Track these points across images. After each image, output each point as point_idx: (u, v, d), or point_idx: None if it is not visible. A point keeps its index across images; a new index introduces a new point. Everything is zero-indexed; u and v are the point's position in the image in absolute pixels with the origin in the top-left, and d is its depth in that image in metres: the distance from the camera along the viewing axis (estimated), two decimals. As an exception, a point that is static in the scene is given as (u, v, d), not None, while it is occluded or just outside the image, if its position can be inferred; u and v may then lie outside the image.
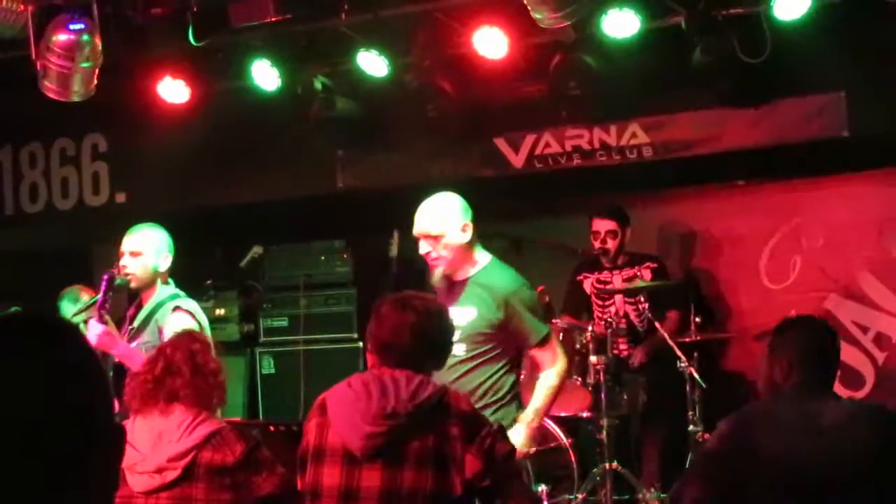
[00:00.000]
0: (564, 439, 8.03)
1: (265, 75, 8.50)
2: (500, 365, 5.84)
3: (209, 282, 9.98)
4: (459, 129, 8.98)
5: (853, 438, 4.26)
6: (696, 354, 8.04)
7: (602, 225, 8.71)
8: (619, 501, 7.97)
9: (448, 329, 4.72)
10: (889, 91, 7.98)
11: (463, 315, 5.71)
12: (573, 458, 8.00)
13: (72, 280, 9.01)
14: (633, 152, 8.75)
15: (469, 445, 4.34)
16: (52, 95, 7.51)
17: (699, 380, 7.88)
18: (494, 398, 5.78)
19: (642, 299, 8.54)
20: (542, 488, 7.60)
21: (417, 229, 5.97)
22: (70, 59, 7.29)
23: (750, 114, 8.40)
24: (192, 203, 9.88)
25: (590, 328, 7.99)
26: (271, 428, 8.00)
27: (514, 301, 5.82)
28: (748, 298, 9.29)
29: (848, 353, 8.73)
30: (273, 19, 7.82)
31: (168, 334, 6.05)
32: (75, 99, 7.57)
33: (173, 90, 8.68)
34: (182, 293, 6.75)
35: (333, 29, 8.32)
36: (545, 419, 8.05)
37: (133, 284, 6.70)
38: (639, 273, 8.72)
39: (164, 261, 6.72)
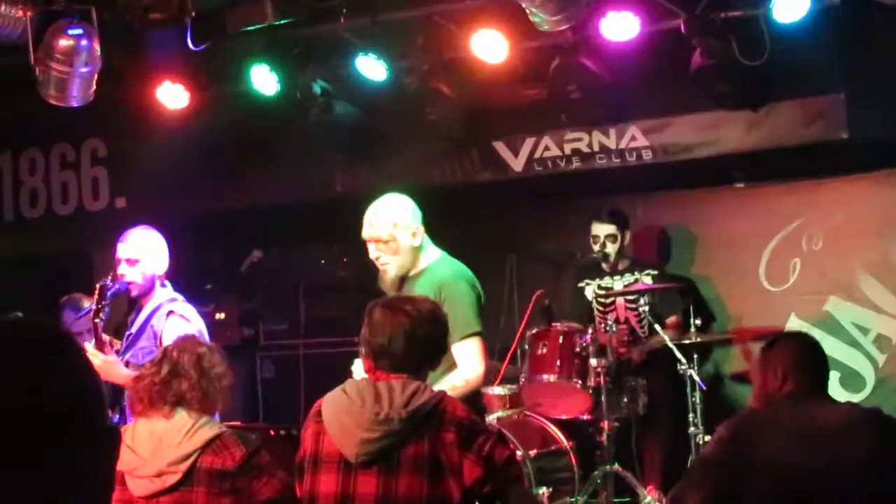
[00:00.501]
0: (565, 442, 8.03)
1: (264, 80, 8.51)
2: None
3: (209, 286, 9.98)
4: (459, 132, 9.01)
5: (850, 442, 4.26)
6: (696, 357, 8.03)
7: (601, 229, 8.70)
8: (619, 504, 7.99)
9: (441, 330, 4.69)
10: (888, 93, 7.98)
11: None
12: (574, 461, 7.99)
13: (72, 285, 9.02)
14: (633, 155, 8.76)
15: (466, 452, 4.32)
16: (51, 101, 7.52)
17: (699, 382, 7.88)
18: None
19: (642, 303, 8.54)
20: (543, 491, 7.60)
21: (366, 234, 6.01)
22: (69, 64, 7.30)
23: (749, 116, 8.40)
24: (192, 207, 9.89)
25: (590, 331, 7.98)
26: (271, 432, 7.99)
27: (447, 290, 5.77)
28: (748, 301, 9.28)
29: (848, 355, 8.75)
30: (272, 24, 7.83)
31: (166, 341, 6.04)
32: (74, 104, 7.57)
33: (172, 95, 8.68)
34: (178, 297, 6.74)
35: (332, 33, 8.33)
36: (545, 422, 8.08)
37: (134, 292, 6.69)
38: (639, 279, 8.72)
39: (161, 264, 6.71)
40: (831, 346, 8.38)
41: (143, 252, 6.65)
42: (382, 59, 8.27)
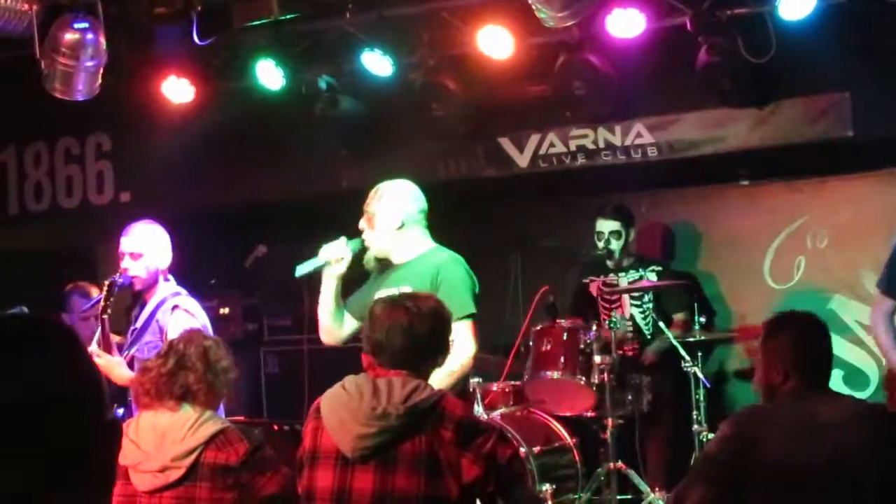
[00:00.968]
0: (569, 439, 8.03)
1: (269, 75, 8.51)
2: None
3: (213, 281, 9.98)
4: (464, 128, 9.01)
5: (854, 438, 4.25)
6: (700, 354, 8.03)
7: (606, 225, 8.69)
8: (623, 501, 7.98)
9: (442, 329, 4.66)
10: (893, 91, 7.97)
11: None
12: (577, 458, 7.99)
13: (76, 278, 9.02)
14: (638, 152, 8.75)
15: (464, 450, 4.30)
16: (56, 94, 7.53)
17: (703, 380, 7.87)
18: None
19: (647, 300, 8.53)
20: (547, 488, 7.60)
21: (365, 206, 6.17)
22: (75, 58, 7.31)
23: (755, 114, 8.40)
24: (196, 202, 9.89)
25: (594, 328, 7.98)
26: (275, 427, 8.00)
27: (444, 272, 5.88)
28: (753, 299, 9.27)
29: (853, 354, 8.75)
30: (277, 19, 7.83)
31: (172, 335, 6.04)
32: (80, 98, 7.59)
33: (177, 89, 8.69)
34: (182, 291, 6.74)
35: (338, 28, 8.34)
36: (549, 418, 8.08)
37: (137, 287, 6.69)
38: (644, 276, 8.71)
39: (165, 258, 6.72)
40: (835, 344, 8.23)
41: (146, 246, 6.66)
42: (388, 54, 8.27)
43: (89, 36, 7.27)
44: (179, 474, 4.50)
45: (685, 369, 7.92)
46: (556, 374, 7.94)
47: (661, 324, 8.15)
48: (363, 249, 6.15)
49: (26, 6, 7.29)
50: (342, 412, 4.40)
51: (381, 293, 5.69)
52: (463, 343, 5.72)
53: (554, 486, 7.70)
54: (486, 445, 4.34)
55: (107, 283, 6.59)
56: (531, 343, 8.07)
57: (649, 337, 8.63)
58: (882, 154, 8.53)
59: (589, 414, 8.14)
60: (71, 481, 1.80)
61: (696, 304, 8.18)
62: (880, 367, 8.69)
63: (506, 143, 9.16)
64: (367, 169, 9.51)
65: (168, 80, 8.66)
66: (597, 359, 7.83)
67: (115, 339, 6.91)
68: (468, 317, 5.82)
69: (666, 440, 8.43)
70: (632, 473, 7.86)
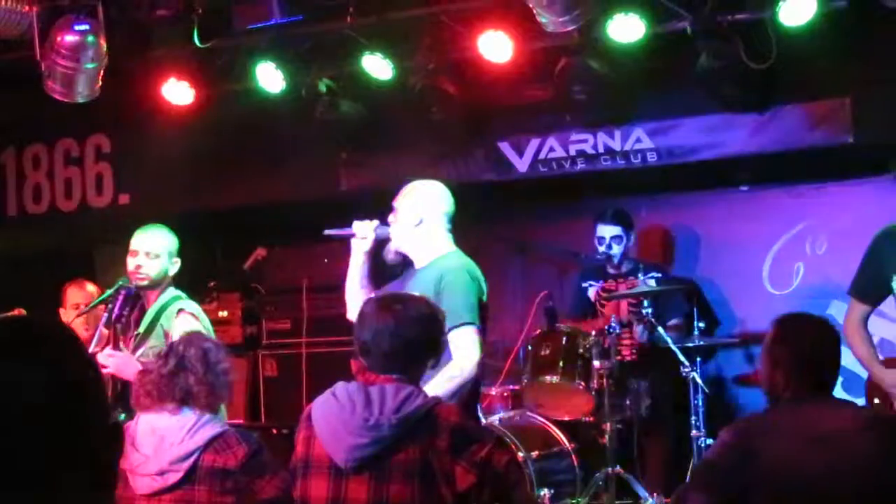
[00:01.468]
0: (567, 444, 8.02)
1: (270, 77, 8.51)
2: None
3: (212, 283, 9.98)
4: (464, 132, 9.01)
5: (856, 446, 4.25)
6: (699, 360, 8.02)
7: (606, 230, 8.70)
8: (621, 506, 7.97)
9: (431, 333, 4.61)
10: (893, 97, 7.98)
11: None
12: (576, 463, 7.98)
13: (75, 280, 9.00)
14: (638, 157, 8.75)
15: (458, 459, 4.29)
16: (56, 96, 7.52)
17: (702, 385, 7.87)
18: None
19: (646, 305, 8.52)
20: (545, 493, 7.59)
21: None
22: (75, 60, 7.30)
23: (755, 119, 8.40)
24: (196, 204, 9.89)
25: (593, 332, 7.98)
26: (274, 431, 8.01)
27: (445, 279, 5.76)
28: (751, 304, 9.27)
29: (851, 359, 8.73)
30: (278, 21, 7.83)
31: (175, 338, 6.04)
32: (80, 100, 7.58)
33: (177, 92, 8.69)
34: (184, 295, 6.76)
35: (338, 31, 8.33)
36: (548, 423, 8.08)
37: (144, 283, 6.68)
38: (643, 281, 8.71)
39: (175, 265, 6.76)
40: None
41: (162, 248, 6.69)
42: (388, 58, 8.28)
43: (90, 38, 7.26)
44: (178, 477, 4.50)
45: (684, 375, 7.91)
46: (554, 379, 7.93)
47: (660, 329, 8.13)
48: (386, 240, 6.12)
49: (27, 8, 7.28)
50: (334, 422, 4.38)
51: None
52: (463, 350, 5.63)
53: (552, 491, 7.70)
54: (481, 453, 4.32)
55: (123, 291, 6.56)
56: (530, 348, 8.07)
57: (648, 343, 8.62)
58: (882, 160, 8.54)
59: (588, 419, 8.14)
60: (74, 484, 1.80)
61: (695, 310, 8.17)
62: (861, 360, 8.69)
63: (505, 148, 9.16)
64: (366, 172, 9.54)
65: (168, 82, 8.66)
66: (596, 364, 7.83)
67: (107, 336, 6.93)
68: (463, 324, 5.66)
69: (664, 445, 8.42)
70: (630, 479, 7.85)
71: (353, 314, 6.09)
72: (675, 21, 7.81)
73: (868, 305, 6.61)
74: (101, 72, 7.48)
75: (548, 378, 7.94)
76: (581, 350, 7.92)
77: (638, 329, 8.41)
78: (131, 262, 6.66)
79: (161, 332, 6.52)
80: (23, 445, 1.75)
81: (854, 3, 7.43)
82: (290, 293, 9.96)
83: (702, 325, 8.09)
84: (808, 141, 8.32)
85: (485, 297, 5.89)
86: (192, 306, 6.68)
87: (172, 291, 6.73)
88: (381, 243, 6.16)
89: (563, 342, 7.98)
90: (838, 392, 8.32)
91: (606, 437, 7.81)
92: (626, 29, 7.67)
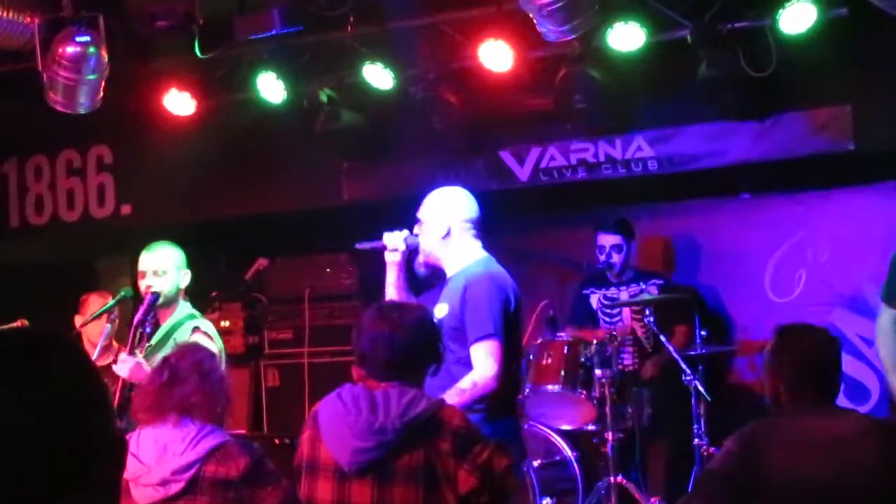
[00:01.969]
0: (569, 452, 8.03)
1: (271, 88, 8.52)
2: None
3: (214, 294, 9.98)
4: (464, 141, 9.01)
5: (860, 453, 4.25)
6: (701, 368, 8.02)
7: (607, 239, 8.71)
8: (623, 515, 7.97)
9: (426, 340, 4.62)
10: (894, 105, 7.98)
11: (439, 311, 5.68)
12: (578, 472, 7.99)
13: (78, 292, 9.00)
14: (639, 165, 8.76)
15: (461, 461, 4.31)
16: (58, 107, 7.52)
17: (704, 393, 7.86)
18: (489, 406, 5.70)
19: (648, 313, 8.52)
20: (547, 501, 7.60)
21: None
22: (76, 71, 7.30)
23: (755, 127, 8.40)
24: (197, 215, 9.90)
25: (594, 340, 7.99)
26: (276, 440, 8.00)
27: (470, 290, 5.68)
28: (753, 312, 9.27)
29: (853, 367, 8.74)
30: (278, 32, 7.84)
31: None
32: (81, 111, 7.58)
33: (179, 102, 8.70)
34: (198, 313, 6.79)
35: (339, 41, 8.34)
36: (549, 432, 8.08)
37: (160, 301, 6.71)
38: (645, 289, 8.72)
39: (185, 278, 6.77)
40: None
41: (170, 264, 6.70)
42: (389, 67, 8.29)
43: (91, 49, 7.26)
44: (179, 487, 4.49)
45: (686, 383, 7.91)
46: (556, 388, 7.93)
47: (663, 337, 8.14)
48: (416, 251, 6.05)
49: (28, 19, 7.29)
50: (339, 425, 4.40)
51: (435, 309, 5.68)
52: (479, 363, 5.56)
53: (554, 500, 7.71)
54: (483, 455, 4.34)
55: (150, 299, 6.58)
56: (531, 357, 8.06)
57: (650, 350, 8.63)
58: (883, 167, 8.54)
59: (589, 427, 8.14)
60: (77, 496, 1.80)
61: (697, 318, 8.17)
62: (881, 380, 8.69)
63: (506, 157, 9.17)
64: (367, 182, 9.54)
65: (169, 93, 8.67)
66: (597, 372, 7.83)
67: (117, 349, 6.93)
68: (485, 337, 5.57)
69: (667, 454, 8.43)
70: (632, 487, 7.86)
71: None
72: (675, 29, 7.82)
73: (893, 310, 6.61)
74: (103, 83, 7.48)
75: (549, 387, 7.94)
76: (582, 359, 7.92)
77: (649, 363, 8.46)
78: (142, 284, 6.68)
79: (174, 346, 6.51)
80: (24, 462, 1.75)
81: (854, 11, 7.43)
82: (292, 303, 9.96)
83: (704, 333, 8.08)
84: (809, 148, 8.32)
85: (512, 306, 5.77)
86: (208, 325, 6.70)
87: (187, 308, 6.76)
88: (412, 253, 6.07)
89: (565, 351, 7.98)
90: (843, 401, 8.39)
91: (608, 445, 7.82)
92: (627, 38, 7.67)
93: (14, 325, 7.03)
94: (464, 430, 4.40)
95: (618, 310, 8.75)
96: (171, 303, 6.71)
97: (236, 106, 9.01)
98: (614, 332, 8.19)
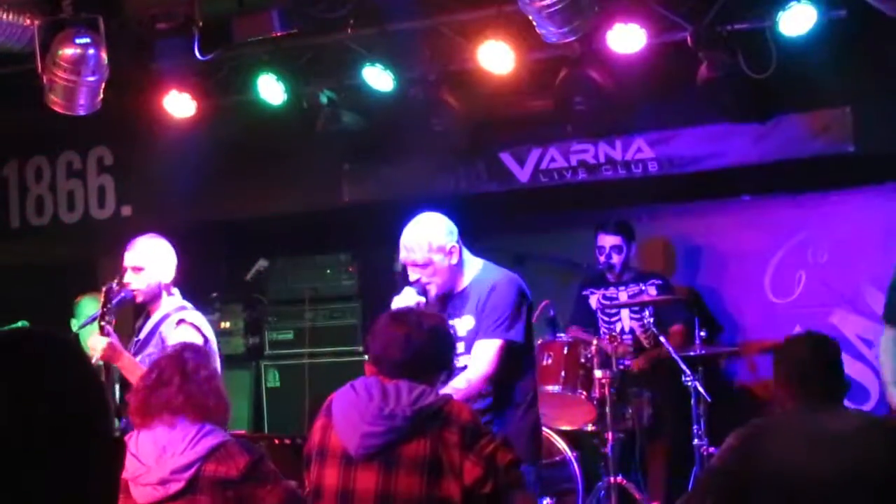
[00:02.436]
0: (569, 453, 8.03)
1: (271, 89, 8.52)
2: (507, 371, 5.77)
3: (214, 295, 9.99)
4: (465, 143, 9.02)
5: (863, 451, 4.26)
6: (701, 369, 8.02)
7: (607, 240, 8.71)
8: (623, 515, 7.97)
9: (442, 345, 4.70)
10: (894, 106, 7.99)
11: (463, 325, 5.73)
12: (578, 472, 7.99)
13: (78, 293, 9.01)
14: (639, 167, 8.77)
15: (467, 453, 4.35)
16: (58, 109, 7.52)
17: (704, 394, 7.87)
18: (506, 405, 5.76)
19: (647, 314, 8.53)
20: (547, 501, 7.60)
21: (403, 258, 5.96)
22: (76, 73, 7.30)
23: (755, 129, 8.41)
24: (198, 216, 9.90)
25: (594, 342, 8.00)
26: (276, 441, 8.00)
27: (498, 288, 5.79)
28: (753, 313, 9.28)
29: (853, 368, 8.74)
30: (278, 34, 7.84)
31: None
32: (81, 113, 7.58)
33: (179, 104, 8.70)
34: (188, 305, 6.73)
35: (339, 43, 8.35)
36: (549, 432, 8.08)
37: (139, 299, 6.69)
38: (644, 290, 8.72)
39: (167, 272, 6.69)
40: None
41: (148, 260, 6.65)
42: (389, 69, 8.29)
43: (91, 51, 7.26)
44: (179, 487, 4.49)
45: (686, 383, 7.91)
46: (556, 388, 7.94)
47: (662, 338, 8.14)
48: (426, 294, 6.00)
49: (28, 21, 7.29)
50: (351, 411, 4.46)
51: (458, 323, 5.75)
52: (479, 360, 5.64)
53: (554, 500, 7.71)
54: (488, 448, 4.39)
55: (104, 290, 6.58)
56: (532, 357, 8.07)
57: (649, 351, 8.63)
58: (883, 169, 8.54)
59: (589, 428, 8.15)
60: (75, 497, 1.80)
61: (696, 319, 8.17)
62: (881, 380, 8.69)
63: (507, 158, 9.18)
64: (368, 183, 9.55)
65: (169, 94, 8.66)
66: (597, 373, 7.84)
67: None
68: (498, 337, 5.67)
69: (666, 454, 8.43)
70: (632, 487, 7.86)
71: None
72: (675, 31, 7.82)
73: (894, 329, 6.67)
74: (103, 85, 7.48)
75: (549, 387, 7.94)
76: (582, 359, 7.93)
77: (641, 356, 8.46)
78: (125, 280, 6.66)
79: (160, 340, 6.50)
80: (22, 462, 1.76)
81: (854, 13, 7.43)
82: (293, 304, 9.98)
83: (703, 333, 8.09)
84: (809, 150, 8.33)
85: (531, 310, 5.92)
86: (194, 316, 6.65)
87: (176, 301, 6.70)
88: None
89: (565, 351, 7.99)
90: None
91: (608, 446, 7.82)
92: (627, 39, 7.67)
93: (14, 326, 7.03)
94: (472, 425, 4.45)
95: (617, 310, 8.75)
96: (154, 298, 6.68)
97: (236, 107, 9.01)
98: (615, 334, 8.19)
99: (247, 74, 8.64)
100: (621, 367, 8.16)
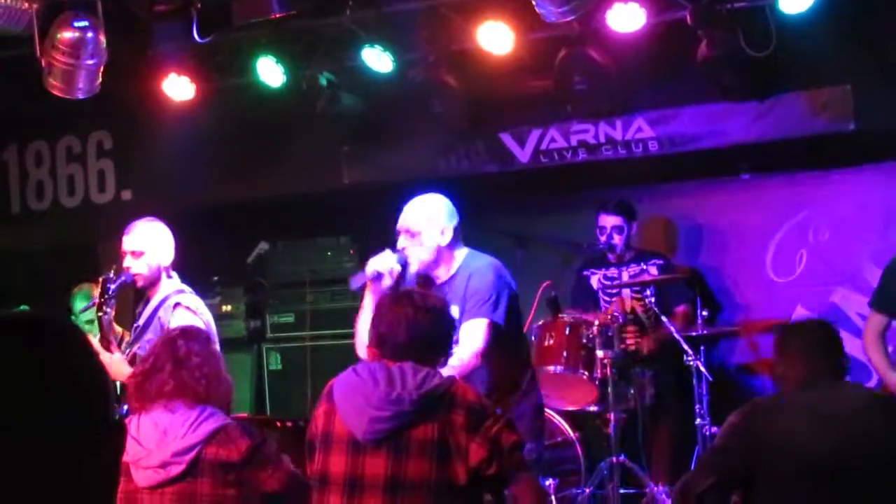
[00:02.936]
0: (571, 433, 8.04)
1: (270, 72, 8.52)
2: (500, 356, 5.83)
3: (215, 278, 9.99)
4: (465, 124, 9.01)
5: (866, 427, 4.27)
6: (702, 348, 8.03)
7: (608, 220, 8.70)
8: (626, 495, 7.96)
9: (445, 326, 4.74)
10: (894, 84, 7.97)
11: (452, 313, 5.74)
12: (580, 452, 8.00)
13: (78, 277, 9.01)
14: (639, 146, 8.76)
15: (473, 435, 4.35)
16: (57, 93, 7.51)
17: (706, 373, 7.87)
18: (503, 391, 5.78)
19: (649, 294, 8.53)
20: (550, 482, 7.61)
21: (400, 224, 6.06)
22: (75, 56, 7.29)
23: (756, 107, 8.39)
24: (198, 200, 9.90)
25: (596, 322, 7.99)
26: (278, 423, 8.00)
27: (475, 275, 5.87)
28: (754, 292, 9.28)
29: (854, 346, 8.73)
30: (277, 16, 7.83)
31: None
32: (80, 96, 7.57)
33: (178, 87, 8.69)
34: (186, 288, 6.73)
35: (338, 25, 8.33)
36: (552, 413, 8.08)
37: (139, 283, 6.69)
38: (645, 269, 8.72)
39: (167, 256, 6.70)
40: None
41: (148, 244, 6.65)
42: (388, 50, 8.27)
43: (89, 34, 7.25)
44: (180, 470, 4.50)
45: (688, 363, 7.92)
46: (558, 369, 7.94)
47: (664, 317, 8.14)
48: (405, 266, 6.07)
49: (26, 4, 7.28)
50: (356, 396, 4.44)
51: None
52: (467, 339, 5.69)
53: (557, 481, 7.72)
54: (493, 429, 4.39)
55: (100, 280, 6.58)
56: (533, 338, 8.07)
57: (651, 330, 8.63)
58: (883, 147, 8.53)
59: (591, 408, 8.15)
60: (77, 482, 1.80)
61: (698, 298, 8.17)
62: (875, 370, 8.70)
63: (507, 139, 9.17)
64: (368, 165, 9.54)
65: (168, 77, 8.66)
66: (599, 353, 7.84)
67: (124, 333, 6.92)
68: (481, 316, 5.75)
69: (669, 434, 8.43)
70: (635, 467, 7.87)
71: (364, 350, 6.09)
72: (674, 10, 7.81)
73: (888, 317, 6.70)
74: (101, 68, 7.47)
75: (551, 368, 7.94)
76: (584, 339, 7.93)
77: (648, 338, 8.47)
78: (124, 265, 6.67)
79: (159, 325, 6.51)
80: (27, 441, 1.75)
81: (854, -10, 7.44)
82: (294, 287, 9.97)
83: (705, 313, 8.09)
84: (810, 129, 8.32)
85: (513, 290, 5.95)
86: (190, 300, 6.65)
87: (174, 284, 6.71)
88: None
89: (567, 332, 7.98)
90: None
91: (611, 426, 7.82)
92: (626, 18, 7.66)
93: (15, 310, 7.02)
94: (477, 406, 4.45)
95: (618, 290, 8.75)
96: (154, 282, 6.68)
97: (235, 90, 9.00)
98: (615, 314, 8.18)
99: (246, 57, 8.63)
100: (624, 347, 8.16)
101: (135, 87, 8.80)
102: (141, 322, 6.64)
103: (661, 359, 8.43)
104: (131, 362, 6.42)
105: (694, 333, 8.03)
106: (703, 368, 7.88)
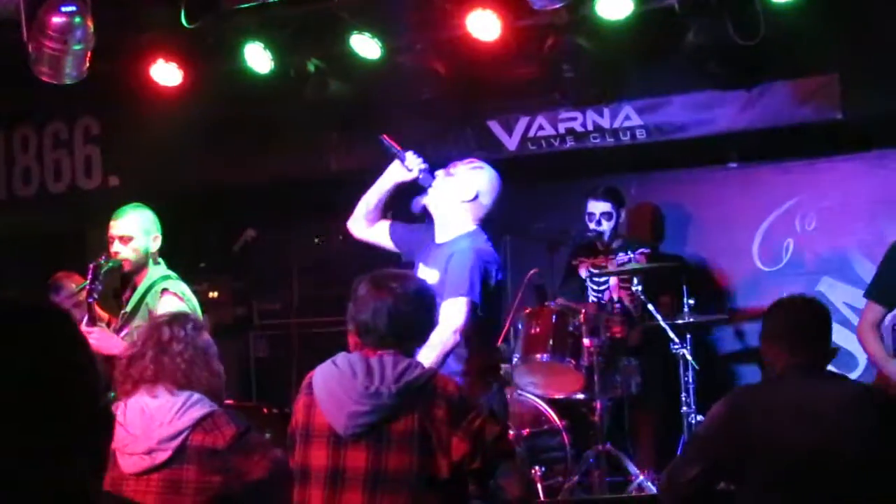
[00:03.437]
0: (557, 421, 8.04)
1: (258, 58, 8.50)
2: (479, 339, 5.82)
3: (202, 265, 9.97)
4: (453, 111, 9.01)
5: (851, 421, 4.26)
6: (689, 337, 8.04)
7: (597, 206, 8.71)
8: (612, 483, 7.97)
9: (426, 310, 4.68)
10: (882, 73, 7.98)
11: (430, 277, 5.71)
12: (566, 441, 8.00)
13: (66, 263, 9.00)
14: (627, 134, 8.76)
15: (455, 428, 4.33)
16: (44, 78, 7.49)
17: (692, 362, 7.89)
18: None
19: (636, 282, 8.53)
20: (536, 470, 7.62)
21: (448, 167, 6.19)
22: (62, 41, 7.27)
23: (743, 96, 8.40)
24: (185, 186, 9.88)
25: (583, 310, 8.00)
26: (265, 410, 8.02)
27: (455, 255, 5.81)
28: (741, 280, 9.30)
29: (840, 335, 8.74)
30: (265, 1, 7.81)
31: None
32: (67, 82, 7.55)
33: (166, 73, 8.67)
34: (173, 274, 6.75)
35: (326, 11, 8.32)
36: (538, 401, 8.09)
37: (127, 268, 6.70)
38: (633, 258, 8.72)
39: (154, 241, 6.73)
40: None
41: (136, 229, 6.67)
42: (376, 37, 8.26)
43: (77, 19, 7.23)
44: (166, 456, 4.49)
45: (674, 351, 7.93)
46: (544, 357, 7.94)
47: (650, 306, 8.15)
48: (424, 190, 6.11)
49: (13, -11, 7.26)
50: (335, 390, 4.41)
51: (419, 270, 5.83)
52: (446, 319, 5.56)
53: (543, 469, 7.73)
54: (475, 423, 4.37)
55: (91, 266, 6.59)
56: (520, 325, 8.08)
57: (637, 319, 8.64)
58: (870, 136, 8.55)
59: (578, 396, 8.16)
60: (65, 467, 1.80)
61: (684, 287, 8.18)
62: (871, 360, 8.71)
63: (495, 126, 9.17)
64: (356, 152, 9.52)
65: (156, 63, 8.64)
66: (586, 341, 7.85)
67: (111, 319, 6.92)
68: (459, 295, 5.67)
69: (655, 423, 8.45)
70: (621, 455, 7.88)
71: (355, 225, 6.42)
72: (662, -2, 7.81)
73: (884, 308, 6.71)
74: (89, 53, 7.45)
75: (538, 356, 7.95)
76: (571, 328, 7.93)
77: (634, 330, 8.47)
78: (112, 250, 6.68)
79: (146, 311, 6.53)
80: (16, 427, 1.75)
81: (841, -21, 7.44)
82: (281, 274, 9.96)
83: (691, 301, 8.10)
84: (797, 117, 8.33)
85: (493, 279, 5.86)
86: (177, 286, 6.67)
87: (161, 270, 6.73)
88: (416, 185, 6.20)
89: (553, 320, 7.99)
90: (830, 368, 8.40)
91: (597, 414, 7.84)
92: (615, 6, 7.66)
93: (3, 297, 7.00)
94: (458, 398, 4.42)
95: (605, 278, 8.75)
96: (141, 268, 6.70)
97: (223, 76, 8.98)
98: (603, 303, 8.19)
99: (234, 43, 8.60)
100: (610, 335, 8.17)
101: (123, 73, 8.78)
102: (128, 308, 6.65)
103: (647, 347, 8.45)
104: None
105: (680, 322, 8.03)
106: (689, 357, 7.89)
